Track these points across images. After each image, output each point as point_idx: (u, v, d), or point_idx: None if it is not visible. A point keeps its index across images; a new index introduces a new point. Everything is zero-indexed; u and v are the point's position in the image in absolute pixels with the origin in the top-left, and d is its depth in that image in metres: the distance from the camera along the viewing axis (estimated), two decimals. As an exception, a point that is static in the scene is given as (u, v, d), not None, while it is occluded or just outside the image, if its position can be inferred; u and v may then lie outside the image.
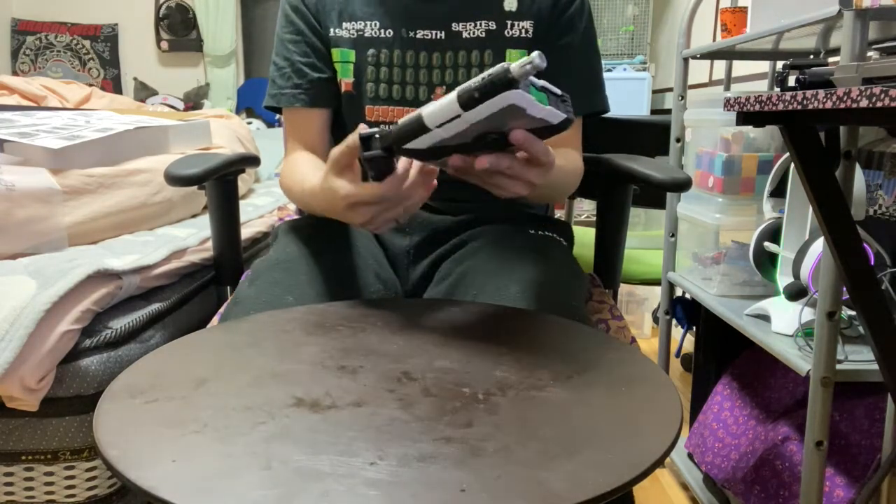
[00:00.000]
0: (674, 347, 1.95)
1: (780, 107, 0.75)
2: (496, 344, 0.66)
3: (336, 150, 0.72)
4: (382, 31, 1.00)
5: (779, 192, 1.32)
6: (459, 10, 0.99)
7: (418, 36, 0.99)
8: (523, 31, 1.00)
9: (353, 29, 1.00)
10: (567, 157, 0.99)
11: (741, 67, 2.39)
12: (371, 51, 1.00)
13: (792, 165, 1.23)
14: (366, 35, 1.00)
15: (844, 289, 0.97)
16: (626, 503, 0.80)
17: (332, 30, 1.01)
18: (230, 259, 1.23)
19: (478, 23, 0.99)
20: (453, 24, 0.99)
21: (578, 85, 1.01)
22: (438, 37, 0.99)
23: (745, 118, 0.87)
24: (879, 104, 0.59)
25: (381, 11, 1.00)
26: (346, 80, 1.01)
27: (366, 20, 1.00)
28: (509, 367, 0.60)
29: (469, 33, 0.99)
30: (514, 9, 1.00)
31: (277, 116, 4.16)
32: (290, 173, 1.00)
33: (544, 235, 0.99)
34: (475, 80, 0.60)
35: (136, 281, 1.21)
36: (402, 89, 1.00)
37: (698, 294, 1.49)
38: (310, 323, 0.72)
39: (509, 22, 0.99)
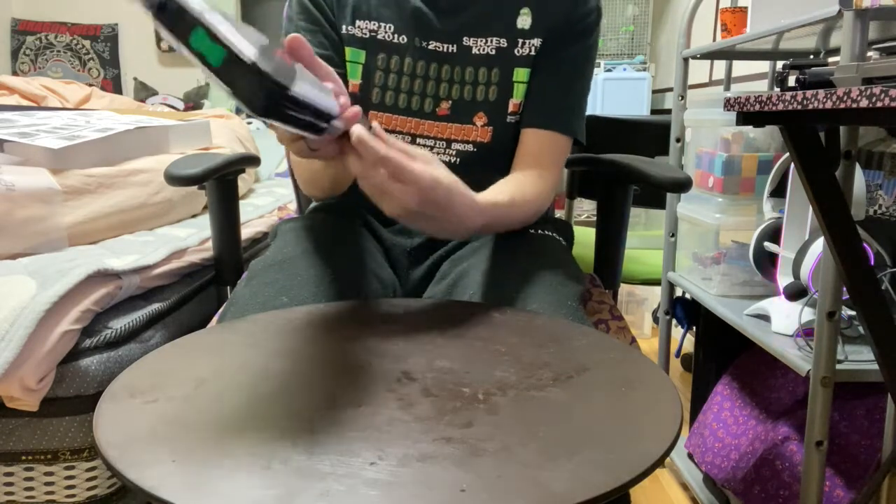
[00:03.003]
0: (674, 347, 1.95)
1: (780, 107, 0.75)
2: (496, 344, 0.66)
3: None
4: (396, 36, 0.97)
5: (779, 192, 1.32)
6: (473, 24, 0.97)
7: (430, 47, 0.97)
8: (532, 48, 0.98)
9: (367, 29, 0.98)
10: (525, 183, 0.95)
11: (741, 67, 2.39)
12: (382, 55, 0.97)
13: (792, 165, 1.23)
14: (378, 37, 0.97)
15: (844, 289, 0.97)
16: (622, 503, 0.80)
17: (344, 27, 0.98)
18: (230, 259, 1.23)
19: (489, 39, 0.97)
20: (464, 39, 0.97)
21: (563, 102, 0.99)
22: (450, 50, 0.97)
23: (745, 118, 0.87)
24: (879, 104, 0.59)
25: (396, 16, 0.97)
26: (353, 82, 0.99)
27: (380, 21, 0.97)
28: (509, 367, 0.60)
29: (479, 49, 0.97)
30: (527, 27, 0.97)
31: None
32: None
33: (544, 235, 0.99)
34: None
35: (136, 281, 1.21)
36: (409, 99, 0.98)
37: (698, 294, 1.49)
38: (310, 323, 0.72)
39: (520, 40, 0.97)
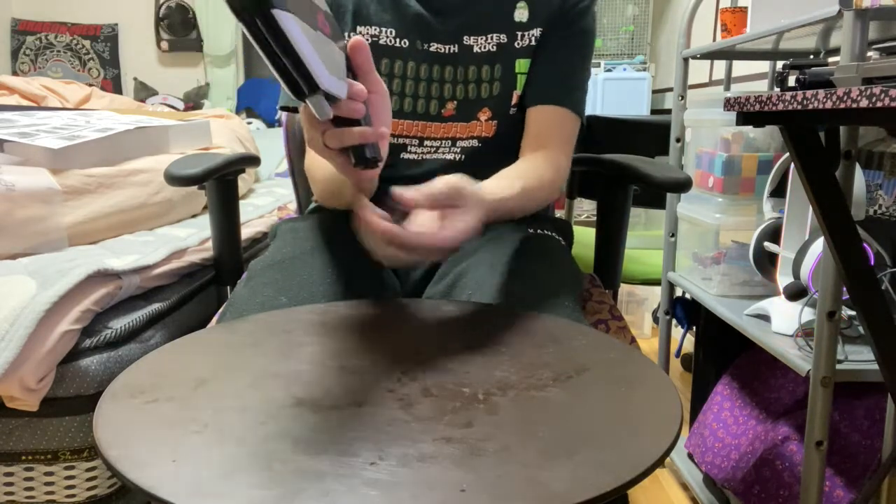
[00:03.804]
0: (674, 347, 1.95)
1: (780, 107, 0.75)
2: (496, 344, 0.66)
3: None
4: (398, 40, 0.97)
5: (779, 192, 1.32)
6: (471, 23, 0.97)
7: (432, 49, 0.97)
8: (532, 39, 0.98)
9: (368, 34, 0.97)
10: (538, 165, 0.95)
11: (741, 67, 2.39)
12: (385, 60, 0.97)
13: (792, 165, 1.23)
14: (380, 43, 0.97)
15: (844, 289, 0.97)
16: (619, 503, 0.80)
17: (345, 33, 0.97)
18: (230, 259, 1.23)
19: (489, 36, 0.97)
20: (465, 38, 0.97)
21: (568, 81, 1.00)
22: (451, 51, 0.97)
23: (745, 118, 0.87)
24: (879, 104, 0.59)
25: (396, 19, 0.97)
26: None
27: (381, 27, 0.97)
28: (509, 367, 0.60)
29: (480, 48, 0.97)
30: (524, 19, 0.98)
31: (277, 116, 4.15)
32: (320, 163, 0.95)
33: (543, 234, 0.99)
34: None
35: (136, 281, 1.21)
36: (414, 102, 0.98)
37: (698, 294, 1.49)
38: (310, 323, 0.72)
39: (519, 33, 0.98)
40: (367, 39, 0.97)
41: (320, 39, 0.58)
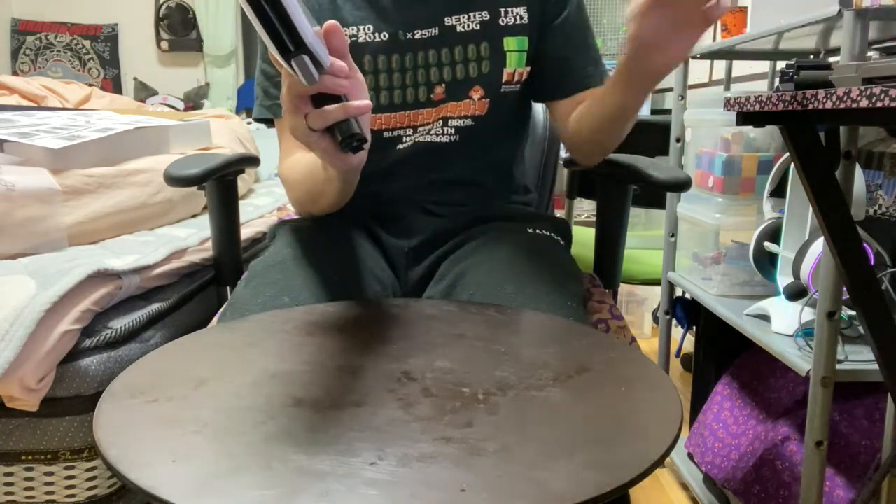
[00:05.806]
0: (674, 347, 1.95)
1: (780, 107, 0.75)
2: (496, 344, 0.66)
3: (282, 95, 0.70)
4: (377, 34, 0.96)
5: (779, 192, 1.32)
6: (452, 3, 0.96)
7: (416, 36, 0.96)
8: (517, 17, 0.98)
9: (347, 35, 0.95)
10: None
11: (741, 67, 2.39)
12: (367, 57, 0.96)
13: (792, 165, 1.23)
14: (360, 41, 0.96)
15: (844, 289, 0.97)
16: (621, 503, 0.80)
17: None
18: (230, 259, 1.23)
19: (471, 15, 0.96)
20: (446, 19, 0.96)
21: (587, 60, 1.02)
22: (433, 34, 0.96)
23: (745, 118, 0.87)
24: (879, 104, 0.59)
25: (372, 15, 0.96)
26: None
27: (357, 25, 0.96)
28: (509, 367, 0.60)
29: (463, 27, 0.97)
30: None
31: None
32: (292, 165, 0.97)
33: (541, 234, 0.99)
34: None
35: (136, 281, 1.21)
36: (403, 93, 0.98)
37: (698, 294, 1.49)
38: (310, 323, 0.72)
39: (502, 10, 0.97)
40: (347, 40, 0.97)
41: (302, 5, 0.60)
